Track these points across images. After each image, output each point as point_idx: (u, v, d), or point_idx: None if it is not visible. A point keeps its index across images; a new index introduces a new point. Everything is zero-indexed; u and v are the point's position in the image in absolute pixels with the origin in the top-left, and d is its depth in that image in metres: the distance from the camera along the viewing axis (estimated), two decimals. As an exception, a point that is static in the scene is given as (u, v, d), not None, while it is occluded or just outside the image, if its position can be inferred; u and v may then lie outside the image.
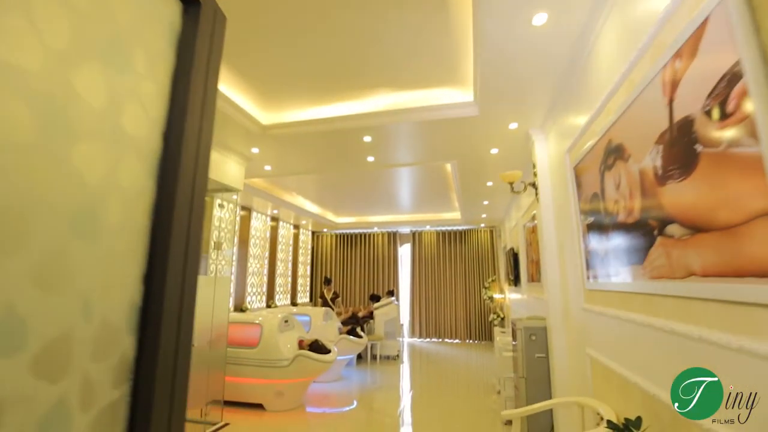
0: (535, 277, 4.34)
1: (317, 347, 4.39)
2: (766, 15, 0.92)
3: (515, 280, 6.06)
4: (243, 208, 7.03)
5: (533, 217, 4.32)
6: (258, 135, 3.66)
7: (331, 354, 4.39)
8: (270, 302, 7.75)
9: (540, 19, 2.07)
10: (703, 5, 1.10)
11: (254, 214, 7.44)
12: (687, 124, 1.19)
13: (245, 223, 7.10)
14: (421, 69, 2.86)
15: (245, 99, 3.33)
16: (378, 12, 2.23)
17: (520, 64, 2.47)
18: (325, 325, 5.59)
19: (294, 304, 8.79)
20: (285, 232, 8.73)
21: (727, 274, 1.05)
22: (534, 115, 3.22)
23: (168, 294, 0.71)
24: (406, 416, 4.38)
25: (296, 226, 9.26)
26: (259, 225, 7.62)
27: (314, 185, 6.60)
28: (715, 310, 1.13)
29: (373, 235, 10.17)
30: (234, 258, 6.81)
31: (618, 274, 1.86)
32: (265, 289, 7.72)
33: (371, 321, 7.44)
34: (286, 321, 4.57)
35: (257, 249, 7.52)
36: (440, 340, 9.34)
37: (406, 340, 9.33)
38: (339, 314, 7.39)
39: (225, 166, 4.07)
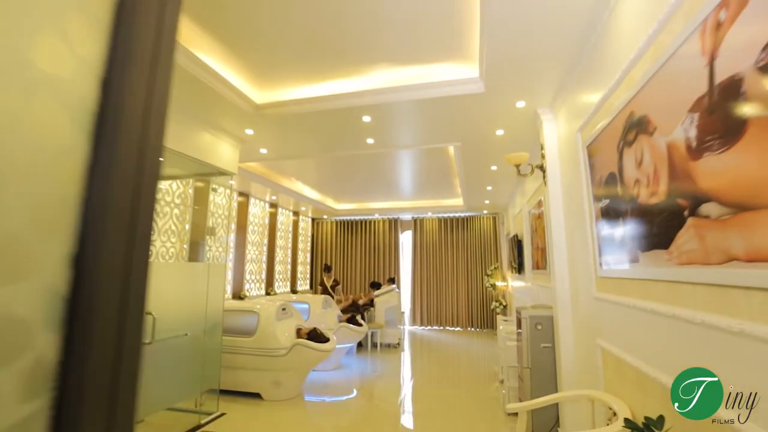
0: (541, 264, 4.20)
1: (316, 336, 4.29)
2: None
3: (519, 268, 5.92)
4: (241, 194, 6.89)
5: (539, 203, 4.16)
6: (251, 115, 3.49)
7: (329, 343, 4.28)
8: (269, 290, 7.66)
9: (555, -20, 1.88)
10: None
11: (252, 200, 7.29)
12: (733, 84, 1.03)
13: (243, 209, 6.96)
14: (423, 41, 2.67)
15: (236, 76, 3.15)
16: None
17: (531, 33, 2.28)
18: (324, 313, 5.49)
19: (294, 291, 8.71)
20: (284, 218, 8.60)
21: (780, 259, 0.90)
22: (543, 92, 3.03)
23: (104, 281, 0.56)
24: (407, 405, 4.30)
25: (296, 213, 9.12)
26: (257, 211, 7.48)
27: (313, 170, 6.43)
28: (762, 301, 0.98)
29: (374, 221, 10.03)
30: (232, 245, 6.71)
31: (637, 260, 1.71)
32: (264, 276, 7.62)
33: (372, 309, 7.35)
34: (283, 309, 4.46)
35: (256, 236, 7.39)
36: (441, 328, 9.27)
37: (407, 327, 9.27)
38: (339, 302, 7.29)
39: (218, 149, 3.91)
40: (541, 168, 3.34)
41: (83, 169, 0.56)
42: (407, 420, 3.92)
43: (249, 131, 3.88)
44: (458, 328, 9.17)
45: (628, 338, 1.86)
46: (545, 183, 3.34)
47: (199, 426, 3.43)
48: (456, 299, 9.30)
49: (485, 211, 9.25)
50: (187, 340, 3.38)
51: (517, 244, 5.96)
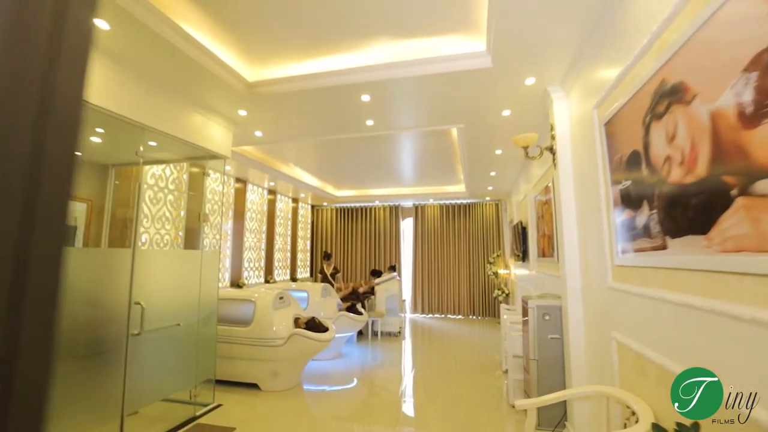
0: (547, 252, 4.04)
1: (314, 325, 4.15)
2: None
3: (522, 256, 5.76)
4: (238, 180, 6.71)
5: (547, 188, 3.97)
6: (244, 94, 3.28)
7: (328, 332, 4.15)
8: (268, 278, 7.54)
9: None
10: None
11: (250, 186, 7.12)
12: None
13: (240, 195, 6.78)
14: (425, 11, 2.45)
15: (226, 51, 2.94)
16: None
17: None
18: (324, 301, 5.36)
19: (294, 279, 8.59)
20: (283, 205, 8.43)
21: None
22: (555, 67, 2.82)
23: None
24: (408, 395, 4.19)
25: (295, 200, 8.94)
26: (255, 198, 7.31)
27: (312, 156, 6.23)
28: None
29: (375, 208, 9.86)
30: (229, 232, 6.56)
31: (664, 247, 1.53)
32: (263, 264, 7.49)
33: (372, 297, 7.23)
34: (281, 298, 4.32)
35: (254, 223, 7.24)
36: (443, 316, 9.17)
37: (408, 316, 9.17)
38: (339, 290, 7.17)
39: (209, 131, 3.71)
40: (551, 150, 3.15)
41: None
42: (408, 410, 3.81)
43: (242, 112, 3.68)
44: (460, 316, 9.08)
45: (652, 333, 1.70)
46: (555, 166, 3.15)
47: (194, 418, 3.32)
48: (458, 287, 9.18)
49: (488, 198, 9.06)
50: (179, 330, 3.24)
51: (521, 231, 5.79)
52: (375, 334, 6.85)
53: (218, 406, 3.59)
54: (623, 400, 1.81)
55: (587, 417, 2.67)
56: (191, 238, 4.92)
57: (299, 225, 9.22)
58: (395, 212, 9.74)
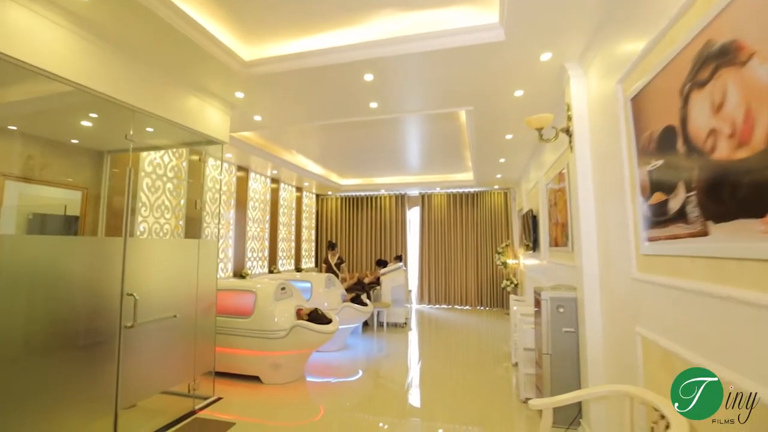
0: (561, 241, 3.85)
1: (317, 317, 4.02)
2: None
3: (533, 245, 5.57)
4: (240, 168, 6.56)
5: (560, 175, 3.76)
6: (240, 74, 3.10)
7: (331, 324, 4.02)
8: (272, 268, 7.43)
9: None
10: None
11: (252, 174, 6.97)
12: None
13: (243, 184, 6.64)
14: (434, -23, 2.24)
15: (220, 27, 2.76)
16: None
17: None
18: (327, 292, 5.23)
19: (298, 269, 8.49)
20: (287, 194, 8.29)
21: None
22: (573, 42, 2.60)
23: None
24: (415, 388, 4.07)
25: (299, 189, 8.79)
26: (258, 187, 7.17)
27: (315, 143, 6.06)
28: None
29: (380, 197, 9.68)
30: (232, 221, 6.44)
31: (704, 233, 1.35)
32: (267, 254, 7.38)
33: (378, 287, 7.10)
34: (282, 288, 4.19)
35: (257, 212, 7.11)
36: (450, 306, 9.04)
37: (415, 306, 9.05)
38: (344, 280, 7.04)
39: (205, 114, 3.54)
40: (567, 132, 2.94)
41: None
42: (415, 402, 3.69)
43: (239, 94, 3.50)
44: (467, 307, 8.93)
45: (687, 329, 1.52)
46: (571, 149, 2.94)
47: (193, 412, 3.22)
48: (465, 277, 9.02)
49: (496, 186, 8.84)
50: (176, 322, 3.12)
51: (532, 219, 5.59)
52: (381, 325, 6.74)
53: (218, 399, 3.49)
54: (651, 402, 1.64)
55: (604, 416, 2.51)
56: (193, 228, 4.80)
57: (304, 214, 9.09)
58: (401, 201, 9.56)
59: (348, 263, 9.46)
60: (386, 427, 3.19)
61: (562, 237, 3.79)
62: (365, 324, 6.66)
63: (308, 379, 4.16)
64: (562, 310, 2.91)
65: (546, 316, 2.94)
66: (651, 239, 1.81)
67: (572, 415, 2.79)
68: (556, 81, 3.12)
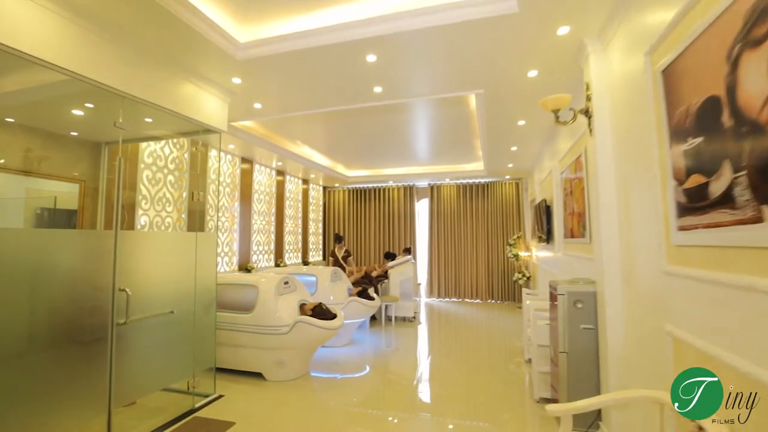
0: (577, 232, 3.63)
1: (321, 312, 3.88)
2: None
3: (547, 237, 5.35)
4: (244, 160, 6.43)
5: (577, 162, 3.53)
6: (236, 58, 2.93)
7: (336, 320, 3.88)
8: (279, 261, 7.33)
9: None
10: None
11: (257, 166, 6.84)
12: None
13: (247, 176, 6.52)
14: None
15: (213, 7, 2.59)
16: None
17: None
18: (333, 286, 5.09)
19: (305, 263, 8.38)
20: (293, 187, 8.15)
21: None
22: (593, 13, 2.37)
23: None
24: (423, 385, 3.92)
25: (305, 181, 8.66)
26: (263, 179, 7.05)
27: (321, 133, 5.88)
28: None
29: (388, 189, 9.49)
30: (236, 214, 6.33)
31: (759, 219, 1.15)
32: (273, 247, 7.27)
33: (386, 281, 6.94)
34: (286, 282, 4.06)
35: (262, 205, 6.99)
36: (460, 300, 8.86)
37: (424, 300, 8.89)
38: (351, 273, 6.90)
39: (202, 102, 3.39)
40: (586, 113, 2.72)
41: None
42: (424, 399, 3.55)
43: (236, 80, 3.34)
44: (478, 300, 8.74)
45: (731, 331, 1.33)
46: (590, 132, 2.72)
47: (193, 410, 3.12)
48: (475, 270, 8.82)
49: (507, 177, 8.58)
50: (173, 318, 3.01)
51: (545, 210, 5.36)
52: (389, 319, 6.60)
53: (219, 397, 3.38)
54: (687, 412, 1.45)
55: (626, 421, 2.33)
56: (195, 221, 4.69)
57: (310, 207, 8.96)
58: (410, 193, 9.36)
59: (356, 256, 9.33)
60: (396, 421, 3.07)
61: (578, 228, 3.58)
62: (373, 318, 6.53)
63: (313, 374, 4.04)
64: (580, 305, 2.71)
65: (563, 312, 2.75)
66: (684, 228, 1.61)
67: (590, 417, 2.60)
68: (574, 59, 2.89)
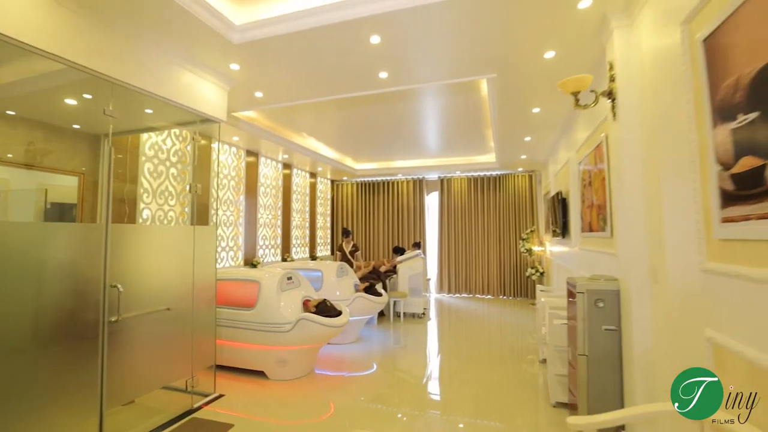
0: (596, 226, 3.40)
1: (325, 308, 3.73)
2: None
3: (562, 231, 5.10)
4: (249, 153, 6.30)
5: (597, 150, 3.29)
6: (232, 42, 2.77)
7: (341, 317, 3.72)
8: (286, 256, 7.22)
9: None
10: None
11: (263, 159, 6.71)
12: None
13: (252, 169, 6.39)
14: None
15: (204, -16, 2.42)
16: None
17: None
18: (339, 281, 4.94)
19: (313, 257, 8.26)
20: (300, 180, 8.01)
21: None
22: (620, -18, 2.14)
23: None
24: (433, 385, 3.76)
25: (313, 174, 8.51)
26: (269, 172, 6.91)
27: (327, 124, 5.71)
28: None
29: (397, 182, 9.30)
30: (241, 208, 6.22)
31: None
32: (279, 242, 7.16)
33: (394, 276, 6.77)
34: (289, 278, 3.91)
35: (268, 199, 6.87)
36: (471, 295, 8.65)
37: (434, 295, 8.70)
38: (359, 268, 6.75)
39: (199, 89, 3.24)
40: (609, 95, 2.48)
41: None
42: (433, 399, 3.40)
43: (234, 66, 3.18)
44: (489, 296, 8.53)
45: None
46: (614, 116, 2.49)
47: (192, 410, 3.00)
48: (487, 265, 8.59)
49: (520, 169, 8.30)
50: (169, 315, 2.89)
51: (561, 202, 5.11)
52: (397, 315, 6.44)
53: (219, 396, 3.26)
54: (734, 433, 1.25)
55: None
56: (199, 215, 4.58)
57: (318, 201, 8.82)
58: (419, 186, 9.15)
59: (364, 251, 9.17)
60: (405, 419, 2.93)
61: (598, 221, 3.35)
62: (381, 314, 6.38)
63: (318, 372, 3.91)
64: (601, 304, 2.50)
65: (582, 312, 2.54)
66: (730, 220, 1.40)
67: (613, 428, 2.40)
68: (595, 37, 2.65)
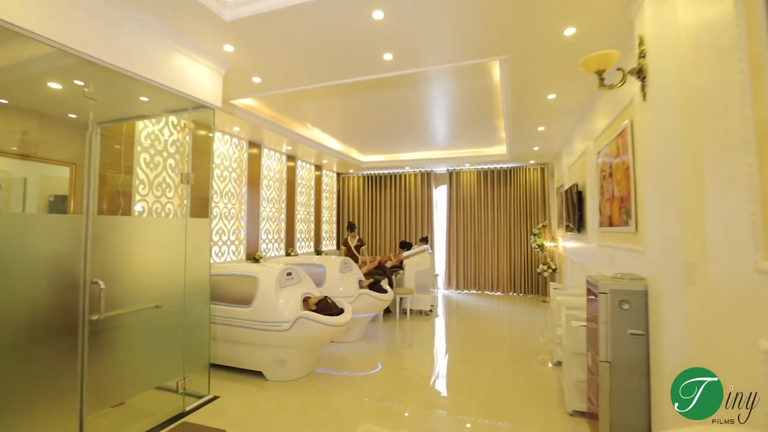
0: (617, 220, 3.14)
1: (326, 306, 3.54)
2: None
3: (577, 226, 4.84)
4: (252, 144, 6.12)
5: (620, 138, 3.02)
6: (222, 18, 2.56)
7: (343, 315, 3.52)
8: (290, 250, 7.05)
9: None
10: None
11: (266, 151, 6.52)
12: None
13: (255, 161, 6.21)
14: None
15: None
16: None
17: None
18: (342, 277, 4.74)
19: (318, 252, 8.09)
20: (305, 173, 7.82)
21: None
22: (655, -59, 1.88)
23: None
24: (440, 382, 3.57)
25: (318, 167, 8.31)
26: (272, 164, 6.73)
27: (332, 114, 5.49)
28: None
29: (405, 175, 9.06)
30: (244, 200, 6.05)
31: None
32: (283, 236, 6.99)
33: (401, 271, 6.57)
34: (288, 273, 3.73)
35: (272, 191, 6.69)
36: (480, 292, 8.41)
37: (442, 292, 8.48)
38: (364, 263, 6.56)
39: (191, 74, 3.04)
40: (639, 73, 2.22)
41: None
42: (440, 401, 3.22)
43: (228, 47, 2.97)
44: (499, 293, 8.28)
45: None
46: (644, 96, 2.23)
47: (183, 414, 2.84)
48: (496, 261, 8.34)
49: (532, 162, 8.01)
50: (159, 313, 2.71)
51: (577, 195, 4.84)
52: (404, 312, 6.24)
53: (213, 398, 3.10)
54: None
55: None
56: (199, 207, 4.41)
57: (324, 194, 8.63)
58: (427, 179, 8.90)
59: (370, 245, 8.98)
60: (411, 420, 2.79)
61: (619, 215, 3.09)
62: (387, 311, 6.18)
63: (320, 372, 3.72)
64: (626, 306, 2.26)
65: (605, 314, 2.30)
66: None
67: (638, 428, 2.17)
68: (622, 9, 2.38)
